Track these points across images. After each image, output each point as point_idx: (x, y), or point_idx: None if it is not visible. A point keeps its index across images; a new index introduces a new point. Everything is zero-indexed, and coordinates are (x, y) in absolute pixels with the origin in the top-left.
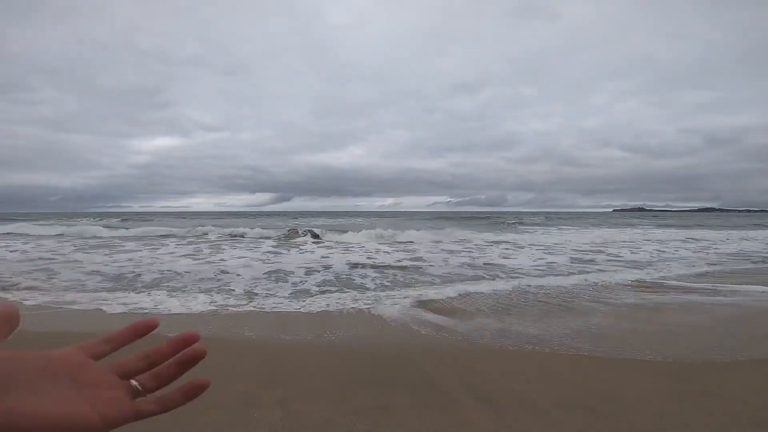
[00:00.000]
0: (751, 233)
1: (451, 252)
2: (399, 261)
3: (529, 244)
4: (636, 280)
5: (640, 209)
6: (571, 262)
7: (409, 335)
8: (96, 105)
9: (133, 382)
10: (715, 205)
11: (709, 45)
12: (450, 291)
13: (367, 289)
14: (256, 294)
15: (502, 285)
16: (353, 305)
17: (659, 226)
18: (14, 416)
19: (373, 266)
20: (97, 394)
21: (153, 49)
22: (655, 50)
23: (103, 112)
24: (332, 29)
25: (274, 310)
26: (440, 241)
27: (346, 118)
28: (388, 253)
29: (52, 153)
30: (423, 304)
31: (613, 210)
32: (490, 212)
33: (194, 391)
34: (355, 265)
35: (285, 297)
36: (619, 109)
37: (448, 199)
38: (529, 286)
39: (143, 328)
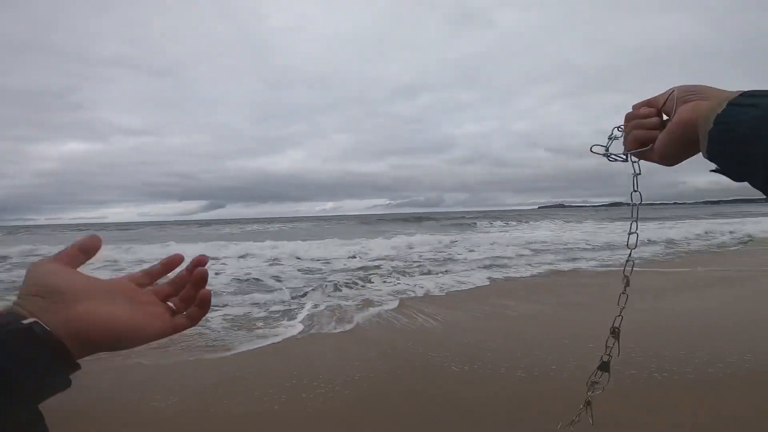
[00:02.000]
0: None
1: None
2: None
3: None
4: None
5: (561, 206)
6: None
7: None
8: None
9: (170, 303)
10: (622, 199)
11: (622, 50)
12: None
13: None
14: None
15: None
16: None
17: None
18: (93, 316)
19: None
20: (149, 310)
21: (70, 49)
22: (575, 56)
23: (6, 116)
24: (273, 31)
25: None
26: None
27: (285, 122)
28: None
29: None
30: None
31: (538, 207)
32: (432, 213)
33: (204, 303)
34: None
35: None
36: (545, 112)
37: (388, 202)
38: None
39: (172, 264)
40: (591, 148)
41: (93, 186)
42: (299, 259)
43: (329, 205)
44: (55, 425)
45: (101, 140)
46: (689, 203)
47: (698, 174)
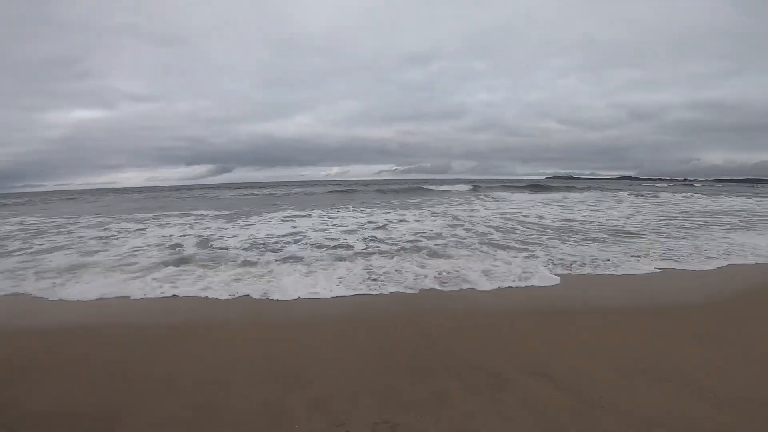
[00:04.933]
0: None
1: None
2: None
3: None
4: None
5: (569, 177)
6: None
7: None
8: (3, 80)
9: None
10: (632, 174)
11: (643, 28)
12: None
13: None
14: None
15: None
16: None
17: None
18: None
19: None
20: None
21: (74, 20)
22: (596, 31)
23: (13, 87)
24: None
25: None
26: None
27: (294, 89)
28: None
29: None
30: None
31: (546, 177)
32: (443, 179)
33: None
34: None
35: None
36: (560, 85)
37: (395, 167)
38: None
39: None
40: None
41: (102, 152)
42: None
43: (335, 170)
44: None
45: (109, 107)
46: (700, 180)
47: (713, 151)
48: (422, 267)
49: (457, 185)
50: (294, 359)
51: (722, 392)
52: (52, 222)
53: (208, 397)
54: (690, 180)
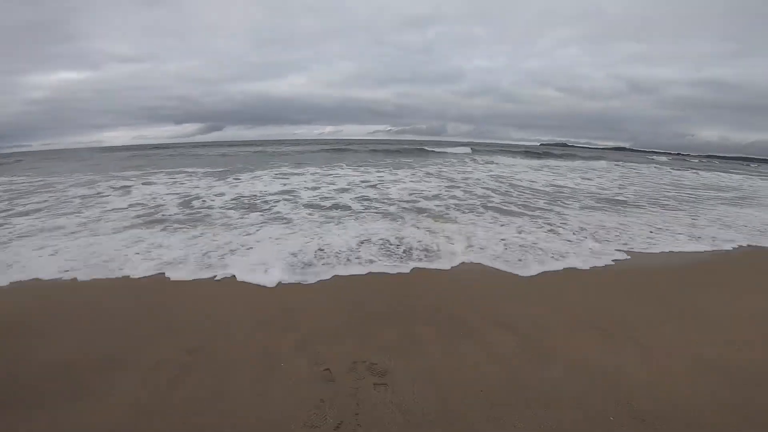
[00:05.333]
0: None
1: None
2: None
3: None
4: None
5: (564, 144)
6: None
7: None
8: None
9: None
10: (627, 144)
11: (651, 3)
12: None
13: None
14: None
15: None
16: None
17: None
18: None
19: None
20: None
21: None
22: (603, 2)
23: None
24: None
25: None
26: None
27: (288, 49)
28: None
29: None
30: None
31: (540, 144)
32: (440, 141)
33: None
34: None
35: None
36: (560, 54)
37: (389, 128)
38: None
39: None
40: None
41: (87, 112)
42: None
43: (328, 129)
44: None
45: (95, 68)
46: (693, 155)
47: (709, 129)
48: (428, 232)
49: (458, 147)
50: (281, 311)
51: (657, 348)
52: (41, 181)
53: (201, 340)
54: (684, 155)
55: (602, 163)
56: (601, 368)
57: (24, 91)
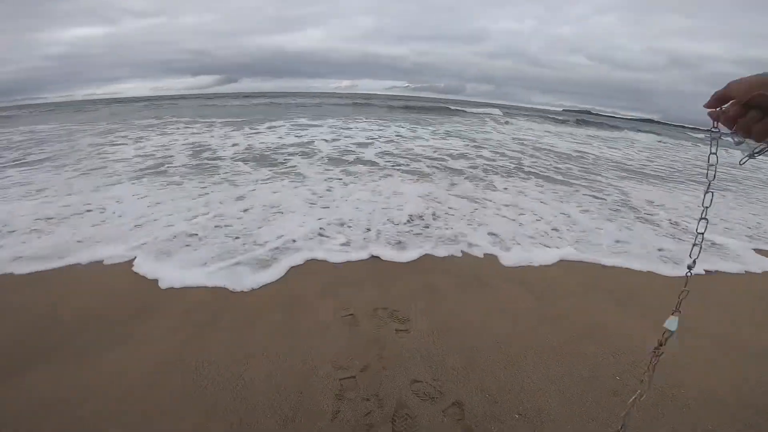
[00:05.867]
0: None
1: None
2: None
3: None
4: None
5: (588, 112)
6: None
7: None
8: None
9: None
10: (654, 117)
11: None
12: None
13: None
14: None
15: None
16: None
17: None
18: None
19: None
20: None
21: None
22: None
23: (7, 10)
24: None
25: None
26: None
27: (306, 2)
28: None
29: None
30: None
31: (563, 110)
32: (452, 99)
33: None
34: None
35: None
36: (596, 22)
37: (406, 84)
38: None
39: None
40: (740, 162)
41: (103, 65)
42: None
43: (344, 83)
44: None
45: (110, 24)
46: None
47: None
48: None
49: (488, 108)
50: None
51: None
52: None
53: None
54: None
55: (650, 137)
56: (606, 329)
57: (41, 47)
